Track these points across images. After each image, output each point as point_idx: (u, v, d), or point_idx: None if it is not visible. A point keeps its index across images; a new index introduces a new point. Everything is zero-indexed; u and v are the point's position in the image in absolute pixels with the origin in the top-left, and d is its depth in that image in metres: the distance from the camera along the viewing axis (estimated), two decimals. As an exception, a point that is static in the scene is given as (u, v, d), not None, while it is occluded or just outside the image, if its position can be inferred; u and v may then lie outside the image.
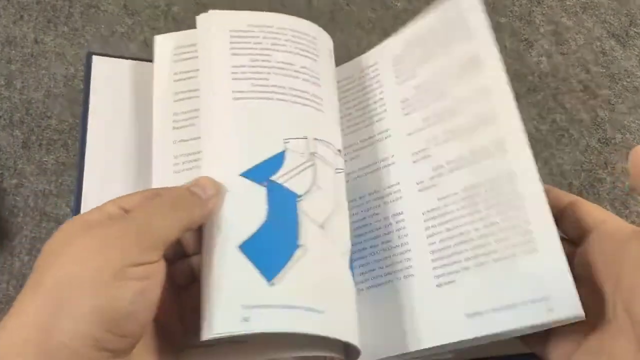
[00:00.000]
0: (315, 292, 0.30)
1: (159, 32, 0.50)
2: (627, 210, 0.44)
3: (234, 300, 0.29)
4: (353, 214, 0.37)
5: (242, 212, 0.32)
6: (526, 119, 0.47)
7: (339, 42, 0.50)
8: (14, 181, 0.42)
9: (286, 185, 0.33)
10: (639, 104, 0.48)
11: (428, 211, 0.36)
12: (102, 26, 0.49)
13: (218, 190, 0.31)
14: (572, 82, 0.49)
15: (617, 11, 0.53)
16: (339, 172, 0.35)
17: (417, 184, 0.36)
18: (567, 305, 0.30)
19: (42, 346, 0.22)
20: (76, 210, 0.39)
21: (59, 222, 0.41)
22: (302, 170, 0.34)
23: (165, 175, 0.35)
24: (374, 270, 0.36)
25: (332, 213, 0.33)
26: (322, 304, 0.30)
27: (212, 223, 0.31)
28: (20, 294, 0.23)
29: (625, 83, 0.49)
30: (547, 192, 0.33)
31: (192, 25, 0.50)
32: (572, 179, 0.45)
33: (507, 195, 0.33)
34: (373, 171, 0.38)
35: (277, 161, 0.33)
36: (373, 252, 0.36)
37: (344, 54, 0.50)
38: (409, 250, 0.36)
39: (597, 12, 0.53)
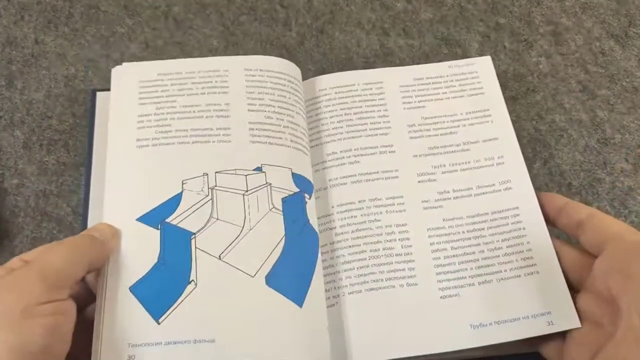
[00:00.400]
0: (205, 324, 0.32)
1: (160, 33, 0.50)
2: (627, 210, 0.44)
3: (121, 340, 0.31)
4: (352, 216, 0.39)
5: (135, 255, 0.34)
6: (525, 119, 0.47)
7: (338, 42, 0.51)
8: (15, 181, 0.42)
9: (181, 225, 0.35)
10: (638, 104, 0.48)
11: (433, 229, 0.38)
12: (103, 27, 0.49)
13: (115, 234, 0.34)
14: (572, 82, 0.49)
15: (617, 12, 0.53)
16: (256, 191, 0.37)
17: (422, 202, 0.39)
18: (566, 318, 0.34)
19: None
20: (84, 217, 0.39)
21: (59, 222, 0.41)
22: (199, 207, 0.36)
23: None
24: (374, 273, 0.36)
25: (237, 238, 0.35)
26: (212, 334, 0.32)
27: (107, 267, 0.33)
28: None
29: (624, 83, 0.49)
30: (566, 205, 0.37)
31: (192, 26, 0.50)
32: (571, 179, 0.45)
33: (510, 225, 0.38)
34: (374, 179, 0.40)
35: (174, 203, 0.36)
36: (373, 257, 0.37)
37: (344, 54, 0.50)
38: (413, 261, 0.37)
39: (596, 13, 0.53)
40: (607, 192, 0.45)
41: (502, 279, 0.36)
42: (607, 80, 0.50)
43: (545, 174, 0.45)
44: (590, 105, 0.48)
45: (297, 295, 0.33)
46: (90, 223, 0.38)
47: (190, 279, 0.33)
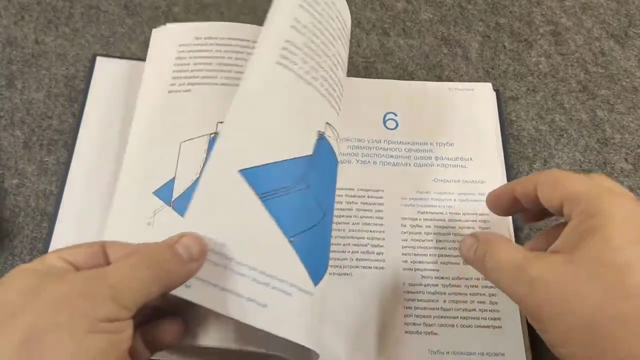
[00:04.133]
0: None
1: (160, 33, 0.49)
2: (626, 210, 0.44)
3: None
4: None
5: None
6: (525, 118, 0.47)
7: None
8: (15, 181, 0.42)
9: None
10: (637, 104, 0.48)
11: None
12: (103, 27, 0.49)
13: (202, 252, 0.29)
14: (571, 82, 0.49)
15: (616, 12, 0.53)
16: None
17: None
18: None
19: None
20: (59, 196, 0.39)
21: (59, 222, 0.41)
22: None
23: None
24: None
25: None
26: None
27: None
28: None
29: (624, 83, 0.49)
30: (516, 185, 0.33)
31: (192, 25, 0.50)
32: (571, 179, 0.45)
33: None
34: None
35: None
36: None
37: (343, 55, 0.50)
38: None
39: (596, 13, 0.53)
40: (607, 192, 0.45)
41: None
42: (607, 80, 0.50)
43: (545, 173, 0.45)
44: (590, 105, 0.48)
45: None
46: (66, 197, 0.40)
47: None
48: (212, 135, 0.38)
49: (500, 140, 0.45)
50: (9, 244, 0.40)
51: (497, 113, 0.46)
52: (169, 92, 0.40)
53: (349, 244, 0.39)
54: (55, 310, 0.24)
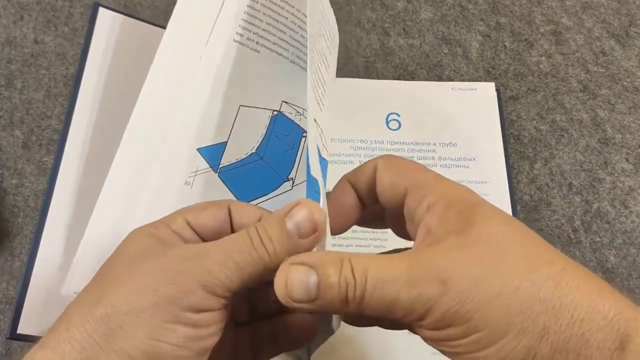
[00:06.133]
0: None
1: (159, 32, 0.49)
2: (627, 210, 0.44)
3: None
4: None
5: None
6: (526, 118, 0.47)
7: (338, 41, 0.50)
8: (14, 181, 0.42)
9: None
10: (638, 104, 0.48)
11: None
12: (102, 26, 0.49)
13: (314, 228, 0.24)
14: (572, 82, 0.49)
15: (617, 11, 0.53)
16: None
17: None
18: None
19: None
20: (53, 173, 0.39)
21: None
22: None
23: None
24: None
25: None
26: None
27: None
28: (73, 305, 0.23)
29: (625, 83, 0.49)
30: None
31: (192, 25, 0.50)
32: (571, 179, 0.45)
33: None
34: None
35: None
36: None
37: (344, 54, 0.50)
38: None
39: (597, 12, 0.53)
40: (608, 192, 0.44)
41: None
42: (608, 80, 0.49)
43: (546, 173, 0.45)
44: (591, 105, 0.48)
45: None
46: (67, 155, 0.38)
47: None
48: (275, 113, 0.35)
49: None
50: (8, 244, 0.40)
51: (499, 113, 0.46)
52: (234, 40, 0.35)
53: (352, 245, 0.39)
54: (141, 293, 0.22)
